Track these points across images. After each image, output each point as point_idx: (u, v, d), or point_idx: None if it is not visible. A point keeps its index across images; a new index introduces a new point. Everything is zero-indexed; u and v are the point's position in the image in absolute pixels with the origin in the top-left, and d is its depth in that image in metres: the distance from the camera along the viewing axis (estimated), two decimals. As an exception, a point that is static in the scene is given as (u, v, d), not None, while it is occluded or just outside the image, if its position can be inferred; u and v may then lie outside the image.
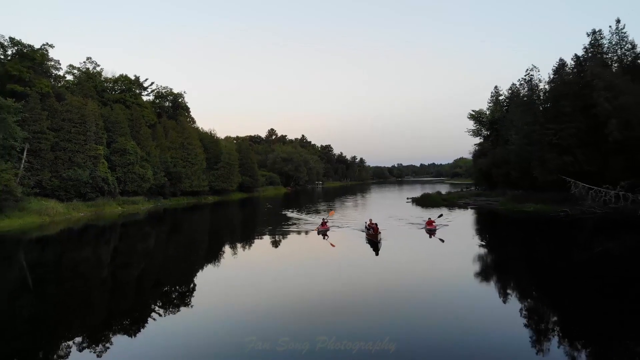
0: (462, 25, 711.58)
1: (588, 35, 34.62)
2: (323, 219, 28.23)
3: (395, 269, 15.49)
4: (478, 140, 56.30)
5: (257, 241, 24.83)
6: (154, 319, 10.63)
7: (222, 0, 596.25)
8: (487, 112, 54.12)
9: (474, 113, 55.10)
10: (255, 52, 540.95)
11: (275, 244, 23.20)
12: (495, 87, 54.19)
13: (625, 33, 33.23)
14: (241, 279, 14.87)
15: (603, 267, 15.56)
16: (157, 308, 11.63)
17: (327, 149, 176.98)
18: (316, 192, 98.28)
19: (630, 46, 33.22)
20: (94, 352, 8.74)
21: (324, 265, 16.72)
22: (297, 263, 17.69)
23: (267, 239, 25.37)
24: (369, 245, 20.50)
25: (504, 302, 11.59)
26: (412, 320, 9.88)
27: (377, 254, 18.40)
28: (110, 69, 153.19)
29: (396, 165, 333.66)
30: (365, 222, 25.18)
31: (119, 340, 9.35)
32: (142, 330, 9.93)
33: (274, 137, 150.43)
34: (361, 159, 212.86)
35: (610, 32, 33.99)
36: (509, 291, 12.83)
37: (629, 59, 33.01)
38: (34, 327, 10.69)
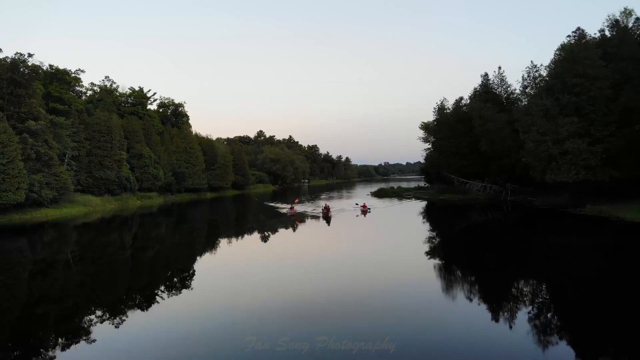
0: (451, 25, 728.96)
1: (481, 76, 48.57)
2: (291, 206, 40.89)
3: (394, 269, 15.88)
4: (427, 145, 69.45)
5: (254, 236, 27.90)
6: (155, 318, 11.00)
7: (209, 1, 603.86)
8: (434, 123, 67.09)
9: (423, 124, 68.18)
10: (247, 54, 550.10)
11: (271, 239, 25.34)
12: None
13: (504, 76, 47.06)
14: (241, 278, 15.14)
15: (474, 231, 26.70)
16: (159, 307, 11.80)
17: (313, 149, 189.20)
18: (302, 189, 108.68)
19: (506, 85, 46.94)
20: (112, 324, 10.07)
21: (323, 265, 17.17)
22: (296, 262, 18.17)
23: (262, 232, 28.95)
24: (324, 221, 32.31)
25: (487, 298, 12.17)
26: (412, 320, 9.99)
27: (328, 225, 30.42)
28: (113, 76, 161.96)
29: (383, 164, 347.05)
30: (322, 206, 38.20)
31: (128, 321, 10.44)
32: (144, 327, 10.29)
33: (262, 137, 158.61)
34: (347, 158, 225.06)
35: (494, 75, 47.70)
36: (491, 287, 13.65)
37: (503, 95, 46.51)
38: (72, 294, 13.15)
